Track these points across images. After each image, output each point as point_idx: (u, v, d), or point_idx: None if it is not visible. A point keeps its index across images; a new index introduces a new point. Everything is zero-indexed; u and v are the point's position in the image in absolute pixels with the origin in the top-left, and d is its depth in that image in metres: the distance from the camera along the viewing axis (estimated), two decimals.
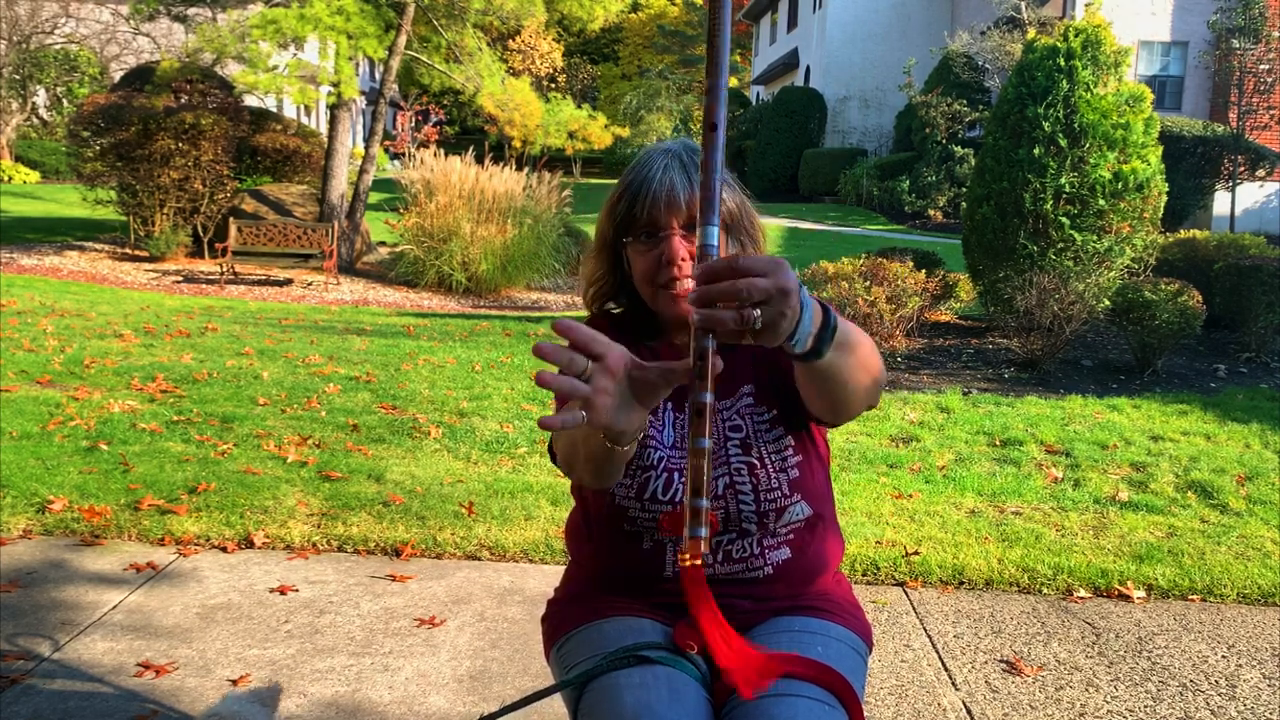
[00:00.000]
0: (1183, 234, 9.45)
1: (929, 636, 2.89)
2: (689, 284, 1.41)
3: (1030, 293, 6.77)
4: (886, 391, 6.12)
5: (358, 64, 14.60)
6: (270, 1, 12.68)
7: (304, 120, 23.44)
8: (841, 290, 6.30)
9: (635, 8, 42.62)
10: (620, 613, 1.45)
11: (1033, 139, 7.35)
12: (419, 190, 11.63)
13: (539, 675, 2.55)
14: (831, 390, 1.22)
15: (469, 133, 29.57)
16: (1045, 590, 3.25)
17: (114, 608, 2.83)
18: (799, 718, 1.23)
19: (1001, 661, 2.75)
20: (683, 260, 1.40)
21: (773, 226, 17.67)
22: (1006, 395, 6.11)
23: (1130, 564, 3.41)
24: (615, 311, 1.57)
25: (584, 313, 1.60)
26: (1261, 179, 17.04)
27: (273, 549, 3.34)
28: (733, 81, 42.53)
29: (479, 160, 11.96)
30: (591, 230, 1.62)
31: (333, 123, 12.76)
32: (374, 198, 14.16)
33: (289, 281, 11.92)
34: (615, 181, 1.57)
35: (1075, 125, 7.26)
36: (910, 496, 4.10)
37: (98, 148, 12.47)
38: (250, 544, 3.35)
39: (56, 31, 25.95)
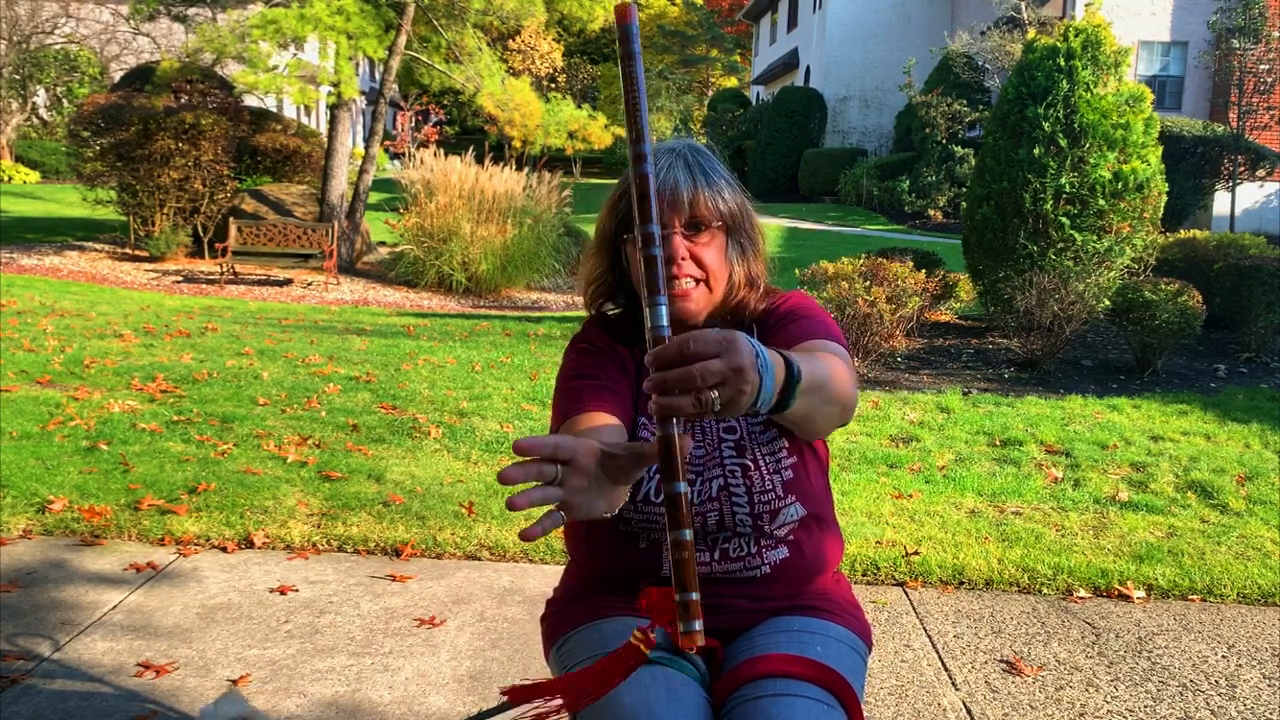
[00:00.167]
0: (1183, 234, 9.45)
1: (929, 636, 2.89)
2: (689, 284, 1.41)
3: (1030, 293, 6.77)
4: (886, 391, 6.12)
5: (358, 64, 14.60)
6: (270, 1, 12.68)
7: (304, 120, 23.44)
8: (841, 290, 6.30)
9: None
10: (619, 613, 1.45)
11: (1033, 139, 7.35)
12: (419, 190, 11.63)
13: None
14: (799, 424, 1.27)
15: (469, 133, 29.52)
16: (1045, 590, 3.25)
17: (114, 608, 2.83)
18: (798, 718, 1.23)
19: (1001, 661, 2.75)
20: (683, 259, 1.41)
21: (773, 226, 17.67)
22: (1006, 395, 6.11)
23: (1130, 564, 3.41)
24: (613, 313, 1.58)
25: (583, 312, 1.61)
26: (1261, 179, 17.03)
27: (273, 549, 3.34)
28: (733, 81, 42.55)
29: (479, 160, 11.95)
30: (591, 230, 1.62)
31: (333, 123, 12.76)
32: (374, 198, 14.15)
33: (289, 281, 11.92)
34: (615, 181, 1.57)
35: (1075, 125, 7.25)
36: (910, 496, 4.10)
37: (98, 148, 12.47)
38: (250, 544, 3.35)
39: (56, 31, 25.94)
